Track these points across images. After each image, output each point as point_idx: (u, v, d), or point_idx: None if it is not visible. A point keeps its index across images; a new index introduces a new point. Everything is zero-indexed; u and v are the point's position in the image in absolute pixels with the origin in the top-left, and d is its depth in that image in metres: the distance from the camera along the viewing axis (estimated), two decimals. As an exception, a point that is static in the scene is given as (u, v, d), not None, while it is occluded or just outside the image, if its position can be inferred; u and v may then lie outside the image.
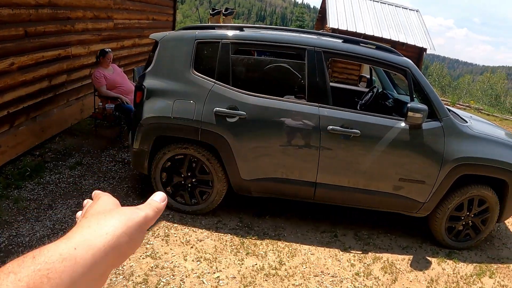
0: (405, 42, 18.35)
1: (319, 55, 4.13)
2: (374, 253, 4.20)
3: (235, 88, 4.14)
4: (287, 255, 3.97)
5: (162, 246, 3.92)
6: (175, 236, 4.11)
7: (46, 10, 5.82)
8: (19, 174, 5.08)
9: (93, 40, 7.31)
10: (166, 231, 4.18)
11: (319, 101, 4.11)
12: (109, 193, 0.61)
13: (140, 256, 3.72)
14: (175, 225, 4.32)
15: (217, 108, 4.04)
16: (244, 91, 4.15)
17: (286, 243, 4.17)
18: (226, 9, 9.93)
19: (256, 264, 3.78)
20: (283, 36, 4.40)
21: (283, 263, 3.83)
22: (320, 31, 5.84)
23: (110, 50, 6.41)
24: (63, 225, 4.12)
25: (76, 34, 6.69)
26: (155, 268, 3.59)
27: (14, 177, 5.02)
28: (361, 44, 4.42)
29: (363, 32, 17.99)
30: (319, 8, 24.45)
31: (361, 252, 4.18)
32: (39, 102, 5.89)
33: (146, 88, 4.24)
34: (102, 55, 6.30)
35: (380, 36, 18.12)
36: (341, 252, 4.12)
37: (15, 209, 4.35)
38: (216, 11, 9.56)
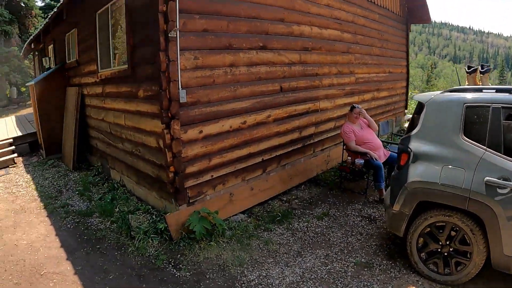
0: None
1: None
2: None
3: (507, 157, 3.66)
4: None
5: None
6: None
7: (297, 67, 6.33)
8: (269, 217, 5.42)
9: (337, 94, 7.60)
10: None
11: None
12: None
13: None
14: (423, 292, 3.83)
15: (488, 178, 3.61)
16: None
17: None
18: (482, 67, 9.02)
19: None
20: None
21: None
22: None
23: (358, 106, 6.45)
24: (312, 275, 4.11)
25: (323, 89, 7.08)
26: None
27: (264, 220, 5.38)
28: None
29: None
30: None
31: None
32: (290, 152, 6.33)
33: (412, 151, 4.16)
34: (350, 110, 6.40)
35: None
36: None
37: (265, 250, 4.60)
38: (472, 68, 8.78)
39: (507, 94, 3.94)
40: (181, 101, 4.62)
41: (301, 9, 6.38)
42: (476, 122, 3.91)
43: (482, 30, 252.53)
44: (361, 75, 8.68)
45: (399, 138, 9.53)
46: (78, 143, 8.38)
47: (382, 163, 6.10)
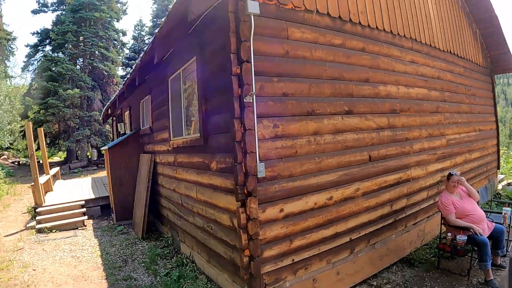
0: None
1: None
2: None
3: None
4: None
5: None
6: None
7: (386, 132, 5.66)
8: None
9: (428, 160, 6.74)
10: None
11: None
12: None
13: None
14: None
15: None
16: None
17: None
18: None
19: None
20: None
21: None
22: None
23: (456, 173, 5.61)
24: None
25: (414, 155, 6.29)
26: None
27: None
28: None
29: None
30: None
31: None
32: (380, 229, 5.51)
33: None
34: (447, 178, 5.57)
35: None
36: None
37: None
38: None
39: None
40: (259, 176, 4.06)
41: (385, 67, 5.79)
42: None
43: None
44: (452, 136, 7.77)
45: (497, 206, 8.34)
46: (148, 211, 8.14)
47: (487, 237, 5.16)
